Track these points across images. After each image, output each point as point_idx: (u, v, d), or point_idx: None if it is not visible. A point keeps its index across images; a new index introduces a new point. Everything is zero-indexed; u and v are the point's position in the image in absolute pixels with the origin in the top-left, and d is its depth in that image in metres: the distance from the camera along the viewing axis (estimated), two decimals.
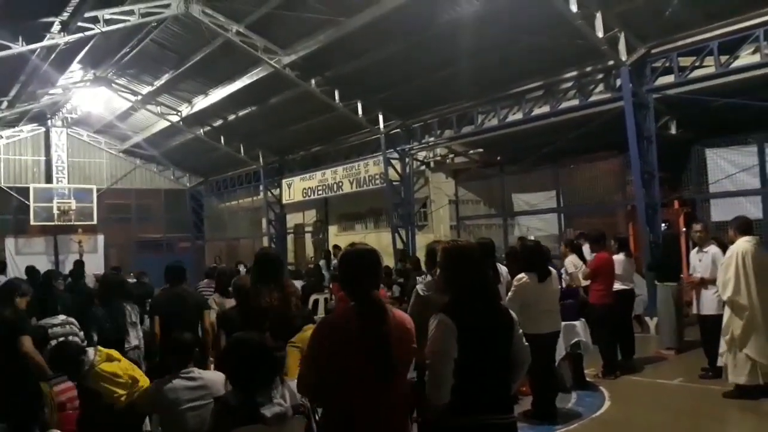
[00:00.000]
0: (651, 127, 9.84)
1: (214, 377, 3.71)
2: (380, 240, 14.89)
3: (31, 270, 10.31)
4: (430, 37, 10.73)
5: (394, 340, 2.46)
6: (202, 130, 18.37)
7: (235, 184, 21.92)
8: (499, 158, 14.44)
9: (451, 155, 14.90)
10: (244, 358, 2.90)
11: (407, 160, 14.89)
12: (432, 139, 14.07)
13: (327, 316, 3.33)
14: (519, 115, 11.88)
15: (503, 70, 11.34)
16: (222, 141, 18.83)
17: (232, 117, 17.10)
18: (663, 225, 10.33)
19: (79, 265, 11.63)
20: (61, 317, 5.71)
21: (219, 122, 17.82)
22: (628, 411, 6.05)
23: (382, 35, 11.09)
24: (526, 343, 2.96)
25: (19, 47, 10.87)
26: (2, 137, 20.32)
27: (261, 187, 19.90)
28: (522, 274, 5.54)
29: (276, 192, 19.60)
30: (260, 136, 18.11)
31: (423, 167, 15.27)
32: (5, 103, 16.22)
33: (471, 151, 14.48)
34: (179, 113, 17.57)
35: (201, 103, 16.51)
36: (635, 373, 7.29)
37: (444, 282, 2.99)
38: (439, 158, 14.97)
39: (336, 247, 14.87)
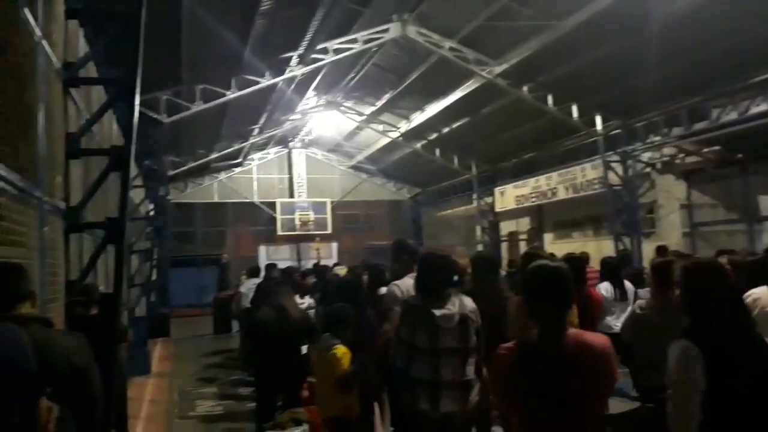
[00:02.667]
0: None
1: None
2: (600, 248, 14.15)
3: (270, 266, 12.13)
4: (648, 31, 9.93)
5: (569, 371, 2.21)
6: (419, 144, 19.34)
7: (450, 194, 22.65)
8: (740, 156, 12.79)
9: (681, 155, 13.58)
10: (429, 267, 3.63)
11: (629, 162, 13.96)
12: (658, 138, 13.00)
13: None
14: (763, 107, 10.45)
15: (740, 58, 10.06)
16: (437, 153, 19.62)
17: (446, 129, 17.68)
18: None
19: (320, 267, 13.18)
20: (307, 303, 6.78)
21: (434, 135, 18.56)
22: None
23: (597, 35, 10.61)
24: None
25: (266, 81, 12.68)
26: (255, 159, 23.72)
27: (474, 196, 20.28)
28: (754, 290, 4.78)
29: (489, 200, 19.81)
30: (473, 146, 18.47)
31: (648, 169, 14.16)
32: (257, 130, 18.94)
33: (705, 150, 13.04)
34: (398, 129, 18.74)
35: (418, 118, 17.35)
36: None
37: (684, 304, 2.69)
38: (667, 159, 13.74)
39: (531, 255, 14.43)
